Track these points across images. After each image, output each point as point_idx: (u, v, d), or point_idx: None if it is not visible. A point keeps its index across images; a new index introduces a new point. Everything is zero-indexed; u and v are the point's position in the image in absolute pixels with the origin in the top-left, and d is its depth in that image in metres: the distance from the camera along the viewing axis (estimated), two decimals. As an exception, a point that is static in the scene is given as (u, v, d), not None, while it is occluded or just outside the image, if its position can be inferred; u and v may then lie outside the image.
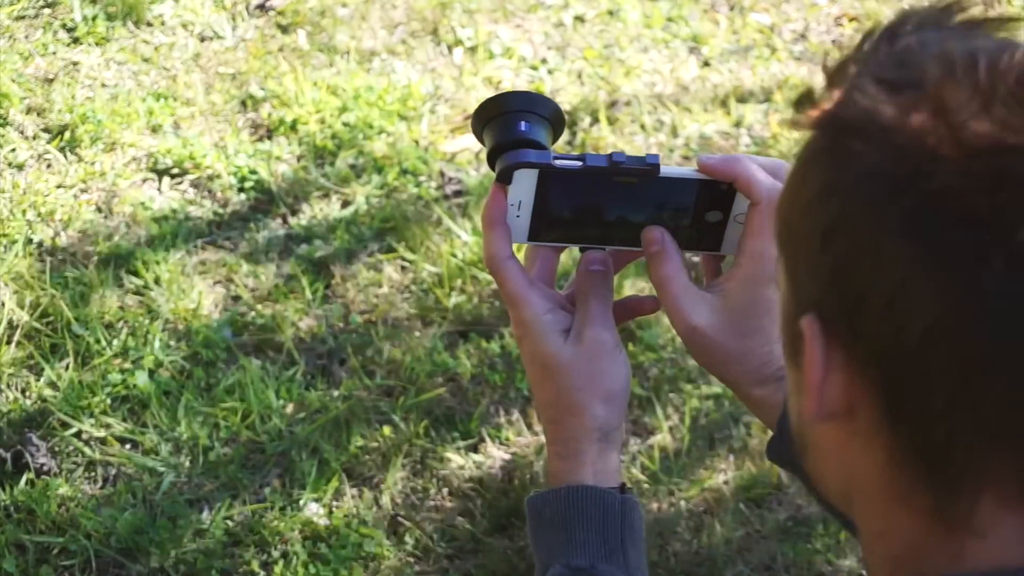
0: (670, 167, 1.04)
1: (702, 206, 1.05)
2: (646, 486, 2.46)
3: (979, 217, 0.62)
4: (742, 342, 1.02)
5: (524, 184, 1.03)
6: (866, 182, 0.65)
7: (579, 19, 3.51)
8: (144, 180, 2.93)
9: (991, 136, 0.62)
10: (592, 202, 1.05)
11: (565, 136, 3.14)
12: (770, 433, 1.07)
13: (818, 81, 0.70)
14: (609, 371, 1.04)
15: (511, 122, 1.04)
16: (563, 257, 1.12)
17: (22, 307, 2.62)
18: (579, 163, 1.02)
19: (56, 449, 2.42)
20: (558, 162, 1.02)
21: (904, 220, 0.63)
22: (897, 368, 0.65)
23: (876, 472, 0.69)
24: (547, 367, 1.04)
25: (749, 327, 1.02)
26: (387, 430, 2.50)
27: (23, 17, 3.28)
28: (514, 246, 1.05)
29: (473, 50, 3.36)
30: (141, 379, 2.52)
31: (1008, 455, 0.65)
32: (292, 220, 2.88)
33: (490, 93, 3.23)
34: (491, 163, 1.05)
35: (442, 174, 3.01)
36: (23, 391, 2.51)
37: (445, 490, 2.44)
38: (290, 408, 2.52)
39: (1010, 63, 0.64)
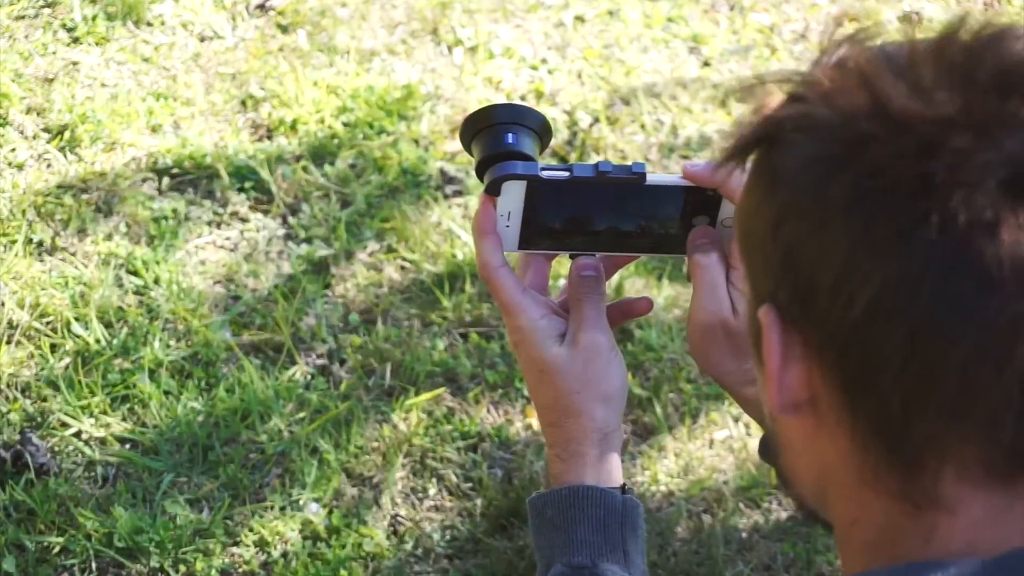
0: (656, 175, 1.05)
1: (689, 212, 1.07)
2: (646, 486, 2.46)
3: (913, 184, 0.63)
4: (742, 341, 1.04)
5: (513, 195, 1.04)
6: (806, 168, 0.67)
7: (579, 19, 3.51)
8: (144, 180, 2.93)
9: (917, 110, 0.64)
10: (580, 211, 1.07)
11: (564, 136, 3.14)
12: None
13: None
14: (606, 373, 1.05)
15: (498, 134, 1.05)
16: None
17: (22, 307, 2.62)
18: (566, 173, 1.04)
19: (56, 449, 2.42)
20: (545, 173, 1.04)
21: (843, 197, 0.65)
22: (848, 345, 0.66)
23: (844, 459, 0.70)
24: (544, 371, 1.05)
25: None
26: (387, 430, 2.50)
27: (23, 17, 3.28)
28: (506, 254, 1.06)
29: (473, 50, 3.36)
30: (141, 379, 2.52)
31: (966, 428, 0.65)
32: (292, 220, 2.88)
33: (490, 93, 3.23)
34: (479, 175, 1.06)
35: (442, 174, 3.01)
36: (23, 391, 2.51)
37: (445, 490, 2.44)
38: (290, 408, 2.52)
39: (932, 45, 0.67)
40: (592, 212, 1.06)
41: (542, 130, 1.07)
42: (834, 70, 0.69)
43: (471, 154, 1.08)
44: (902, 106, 0.65)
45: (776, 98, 0.71)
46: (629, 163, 1.06)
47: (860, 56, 0.69)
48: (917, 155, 0.63)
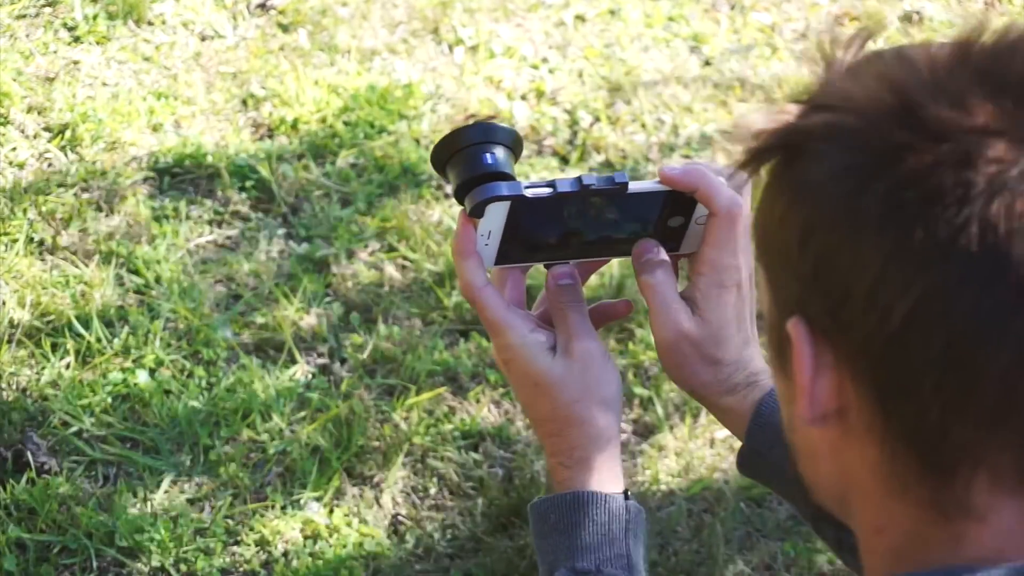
0: (636, 182, 1.05)
1: (666, 213, 1.07)
2: (647, 485, 2.46)
3: (952, 195, 0.63)
4: (716, 350, 1.05)
5: (495, 215, 1.04)
6: (836, 179, 0.67)
7: (580, 18, 3.51)
8: (145, 179, 2.93)
9: (952, 119, 0.64)
10: (561, 223, 1.06)
11: (566, 135, 3.15)
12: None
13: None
14: (603, 378, 1.05)
15: (475, 155, 1.04)
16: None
17: (23, 306, 2.62)
18: (549, 190, 1.04)
19: (57, 448, 2.42)
20: (529, 191, 1.03)
21: (877, 207, 0.65)
22: (885, 355, 0.66)
23: (871, 468, 0.69)
24: (540, 384, 1.05)
25: (721, 335, 1.05)
26: (387, 429, 2.50)
27: (24, 16, 3.28)
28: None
29: (474, 49, 3.36)
30: (142, 378, 2.52)
31: (1004, 436, 0.65)
32: (293, 219, 2.88)
33: (491, 92, 3.24)
34: (459, 198, 1.05)
35: (443, 173, 3.01)
36: (24, 390, 2.51)
37: (445, 489, 2.44)
38: (291, 407, 2.52)
39: (955, 51, 0.66)
40: (573, 223, 1.06)
41: (514, 144, 1.07)
42: (857, 77, 0.68)
43: (446, 178, 1.07)
44: (936, 115, 0.64)
45: (792, 105, 0.70)
46: (610, 173, 1.05)
47: (881, 62, 0.68)
48: (955, 164, 0.63)
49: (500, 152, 1.05)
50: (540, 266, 1.11)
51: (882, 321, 0.65)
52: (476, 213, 1.03)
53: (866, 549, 0.73)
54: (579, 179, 1.03)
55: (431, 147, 1.07)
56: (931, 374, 0.64)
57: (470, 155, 1.04)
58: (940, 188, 0.63)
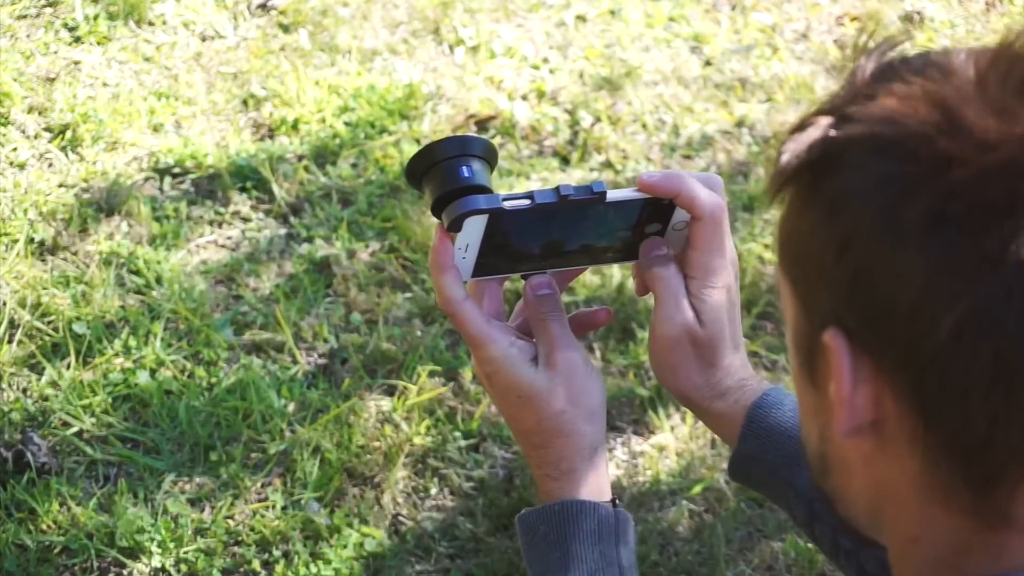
0: (614, 191, 1.05)
1: (643, 220, 1.07)
2: (648, 486, 2.45)
3: (999, 206, 0.62)
4: (712, 353, 1.05)
5: (473, 228, 1.03)
6: (876, 190, 0.65)
7: (581, 18, 3.51)
8: (146, 179, 2.93)
9: (999, 129, 0.63)
10: (539, 234, 1.06)
11: (566, 136, 3.15)
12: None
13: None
14: (587, 388, 1.04)
15: (452, 169, 1.04)
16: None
17: (23, 306, 2.62)
18: (528, 202, 1.03)
19: (57, 448, 2.42)
20: (508, 204, 1.02)
21: (922, 219, 0.64)
22: (929, 367, 0.65)
23: (910, 478, 0.69)
24: (524, 397, 1.04)
25: (716, 339, 1.04)
26: (388, 429, 2.50)
27: (25, 16, 3.28)
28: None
29: (475, 49, 3.36)
30: (142, 378, 2.52)
31: None
32: (293, 219, 2.88)
33: (492, 93, 3.24)
34: (436, 212, 1.04)
35: (443, 173, 3.01)
36: (24, 390, 2.51)
37: (446, 489, 2.44)
38: (291, 407, 2.52)
39: (993, 59, 0.65)
40: (551, 234, 1.06)
41: (489, 155, 1.06)
42: (889, 86, 0.67)
43: (423, 193, 1.06)
44: (982, 125, 0.63)
45: (820, 120, 0.68)
46: (588, 183, 1.05)
47: (915, 71, 0.67)
48: (1002, 175, 0.62)
49: (476, 164, 1.04)
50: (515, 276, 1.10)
51: (927, 333, 0.64)
52: (454, 227, 1.02)
53: (899, 558, 0.73)
54: (557, 190, 1.03)
55: (406, 162, 1.06)
56: (978, 387, 0.64)
57: (446, 169, 1.03)
58: (988, 199, 0.62)
